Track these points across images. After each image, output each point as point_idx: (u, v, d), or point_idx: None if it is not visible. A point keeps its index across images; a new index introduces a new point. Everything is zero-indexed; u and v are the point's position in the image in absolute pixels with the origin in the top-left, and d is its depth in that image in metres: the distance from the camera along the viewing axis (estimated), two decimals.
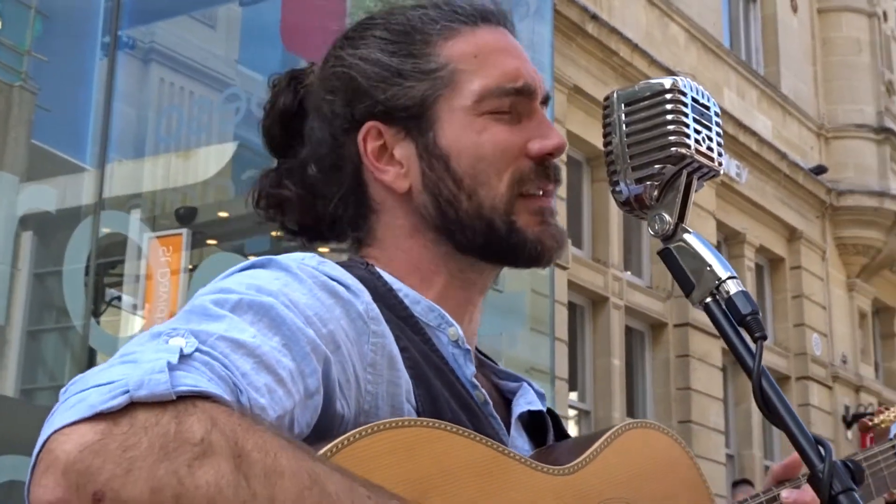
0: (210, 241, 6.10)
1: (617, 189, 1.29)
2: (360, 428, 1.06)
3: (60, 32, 5.69)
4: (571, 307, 12.58)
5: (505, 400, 1.36)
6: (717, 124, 1.31)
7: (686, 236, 1.26)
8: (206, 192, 6.27)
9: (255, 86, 6.86)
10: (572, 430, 11.46)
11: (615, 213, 13.34)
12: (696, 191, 1.31)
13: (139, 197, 6.05)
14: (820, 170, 17.24)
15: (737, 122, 15.43)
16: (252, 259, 1.20)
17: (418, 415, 1.17)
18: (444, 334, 1.26)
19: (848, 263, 17.83)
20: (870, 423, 1.73)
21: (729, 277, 1.24)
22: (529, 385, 1.40)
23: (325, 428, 1.09)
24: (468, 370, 1.26)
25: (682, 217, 1.27)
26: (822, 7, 18.73)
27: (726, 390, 14.83)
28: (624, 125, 1.27)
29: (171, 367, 0.95)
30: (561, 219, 9.42)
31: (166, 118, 6.93)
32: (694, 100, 1.27)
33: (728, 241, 15.69)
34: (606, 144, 1.30)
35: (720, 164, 1.30)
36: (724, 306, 1.23)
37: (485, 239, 1.29)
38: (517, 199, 1.31)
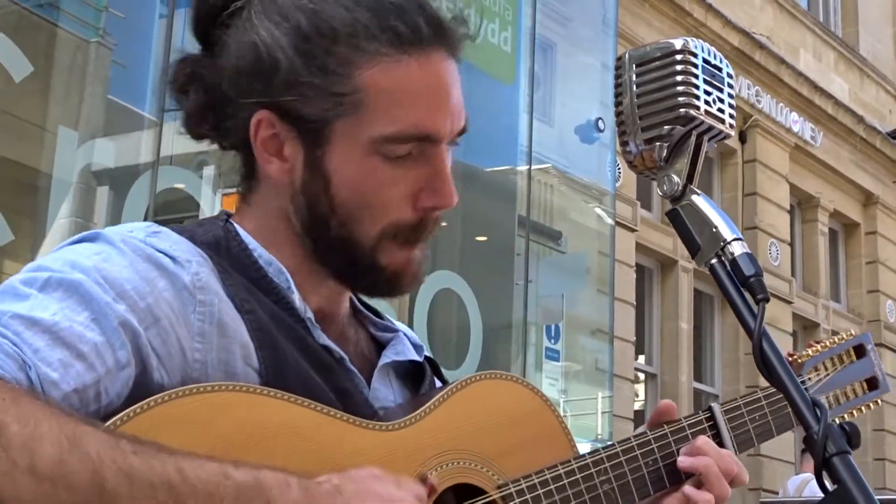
0: None
1: (627, 149, 1.29)
2: (157, 395, 1.08)
3: None
4: (640, 269, 12.52)
5: (379, 349, 1.38)
6: (730, 86, 1.30)
7: (694, 197, 1.26)
8: None
9: None
10: (640, 391, 11.36)
11: None
12: (706, 151, 1.30)
13: (206, 154, 6.08)
14: None
15: (812, 85, 15.19)
16: (89, 231, 1.21)
17: (262, 376, 1.18)
18: (294, 296, 1.27)
19: None
20: (792, 359, 1.69)
21: (734, 239, 1.24)
22: (405, 335, 1.42)
23: (144, 398, 1.10)
24: (316, 332, 1.26)
25: (690, 178, 1.27)
26: None
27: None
28: (635, 86, 1.27)
29: None
30: (630, 180, 9.34)
31: None
32: (705, 61, 1.27)
33: (801, 205, 15.48)
34: (617, 105, 1.30)
35: (731, 125, 1.29)
36: (728, 268, 1.23)
37: (344, 265, 1.30)
38: (386, 243, 1.28)
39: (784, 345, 14.09)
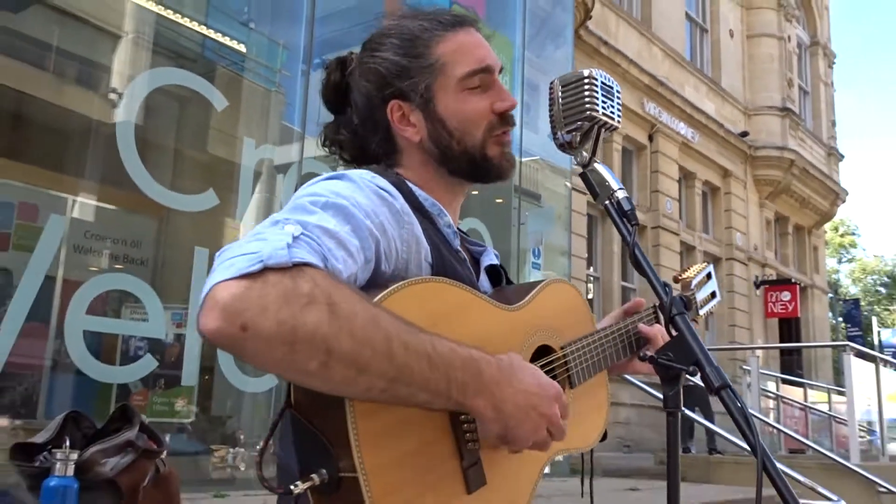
0: None
1: (556, 137, 1.25)
2: (399, 283, 0.99)
3: (287, 59, 5.72)
4: (590, 217, 12.39)
5: (475, 259, 1.29)
6: (618, 97, 1.25)
7: (595, 165, 1.23)
8: None
9: None
10: (589, 289, 11.22)
11: (616, 166, 13.00)
12: (604, 138, 1.26)
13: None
14: (744, 134, 16.53)
15: (693, 106, 14.82)
16: (337, 171, 1.10)
17: (432, 268, 1.10)
18: (441, 220, 1.19)
19: (760, 190, 17.13)
20: (681, 278, 1.65)
21: (618, 189, 1.21)
22: (490, 249, 1.34)
23: (374, 280, 1.03)
24: (455, 242, 1.20)
25: (594, 153, 1.23)
26: (750, 34, 17.73)
27: (682, 265, 14.50)
28: (561, 98, 1.23)
29: (288, 246, 0.89)
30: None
31: None
32: (603, 83, 1.22)
33: (686, 178, 15.17)
34: (550, 110, 1.25)
35: (618, 121, 1.24)
36: (615, 205, 1.20)
37: (468, 166, 1.22)
38: (488, 140, 1.21)
39: (673, 260, 13.97)
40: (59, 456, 2.00)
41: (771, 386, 10.89)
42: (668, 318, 1.09)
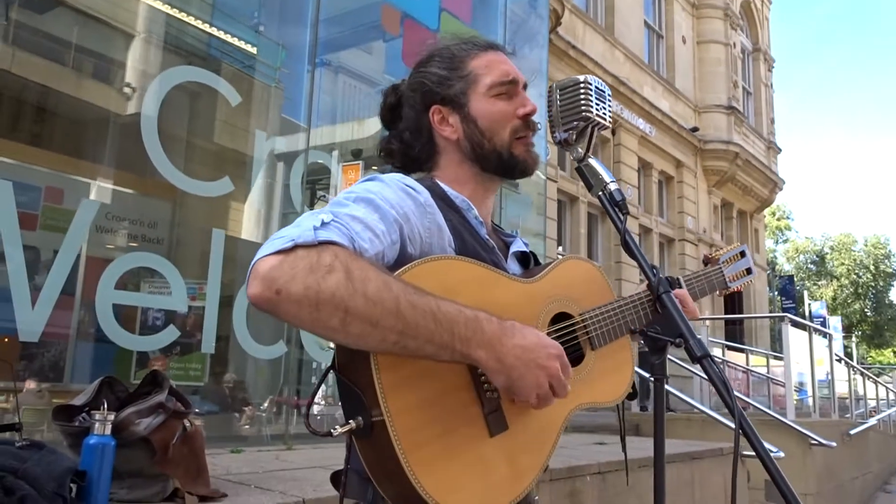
0: (373, 168, 6.08)
1: (554, 135, 1.25)
2: (418, 260, 1.02)
3: (293, 58, 5.66)
4: (560, 202, 12.43)
5: (507, 246, 1.30)
6: (609, 100, 1.25)
7: (590, 160, 1.23)
8: (370, 141, 6.23)
9: None
10: None
11: None
12: (597, 136, 1.26)
13: (334, 144, 6.06)
14: (695, 129, 16.62)
15: (650, 104, 14.87)
16: (370, 174, 1.15)
17: (456, 252, 1.12)
18: (471, 214, 1.20)
19: (709, 179, 17.26)
20: (710, 257, 1.64)
21: (611, 181, 1.21)
22: (519, 238, 1.36)
23: (401, 259, 1.05)
24: (483, 231, 1.20)
25: (588, 150, 1.23)
26: (700, 40, 17.77)
27: (640, 245, 14.59)
28: (558, 100, 1.23)
29: (316, 228, 0.94)
30: (553, 155, 9.14)
31: (349, 102, 6.88)
32: (597, 87, 1.23)
33: (644, 167, 15.26)
34: (549, 111, 1.25)
35: (610, 121, 1.25)
36: (608, 196, 1.21)
37: (497, 162, 1.23)
38: (514, 141, 1.22)
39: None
40: (97, 417, 2.00)
41: (717, 352, 11.06)
42: (656, 297, 1.11)
